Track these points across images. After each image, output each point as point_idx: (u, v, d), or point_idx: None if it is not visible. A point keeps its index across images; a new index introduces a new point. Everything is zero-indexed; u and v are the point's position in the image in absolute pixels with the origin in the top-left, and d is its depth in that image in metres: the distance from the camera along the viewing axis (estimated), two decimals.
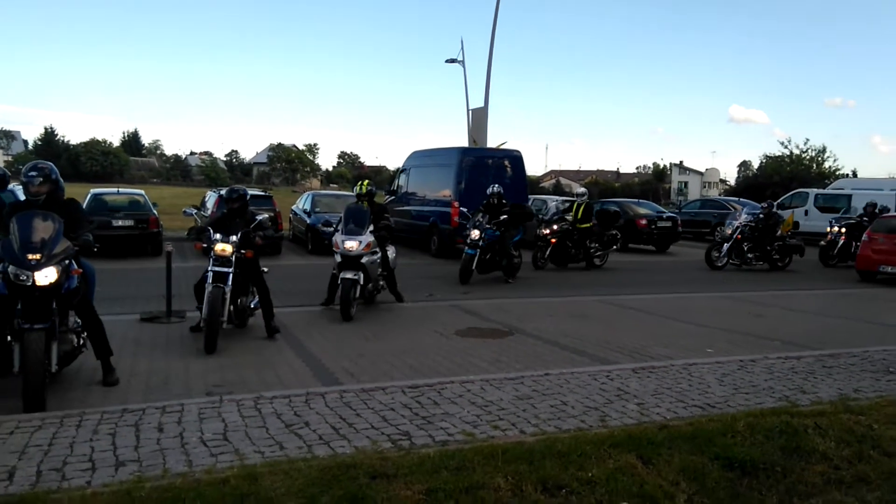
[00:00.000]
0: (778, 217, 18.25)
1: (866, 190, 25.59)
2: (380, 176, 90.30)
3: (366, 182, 10.84)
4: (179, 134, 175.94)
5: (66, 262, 5.49)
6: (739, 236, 17.36)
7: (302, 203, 20.87)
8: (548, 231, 16.67)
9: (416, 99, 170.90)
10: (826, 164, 55.55)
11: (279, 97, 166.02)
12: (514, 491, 3.87)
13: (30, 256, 5.25)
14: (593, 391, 5.92)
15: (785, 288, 14.46)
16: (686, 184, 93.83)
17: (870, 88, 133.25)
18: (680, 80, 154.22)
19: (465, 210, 15.66)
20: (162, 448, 4.38)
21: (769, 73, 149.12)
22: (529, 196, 21.27)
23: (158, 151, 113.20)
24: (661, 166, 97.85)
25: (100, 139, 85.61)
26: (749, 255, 17.49)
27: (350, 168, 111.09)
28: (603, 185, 76.57)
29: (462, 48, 34.45)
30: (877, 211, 18.90)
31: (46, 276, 5.29)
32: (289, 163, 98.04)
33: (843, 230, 18.97)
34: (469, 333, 8.72)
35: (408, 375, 6.51)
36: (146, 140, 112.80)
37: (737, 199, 29.91)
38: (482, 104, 26.31)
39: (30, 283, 5.22)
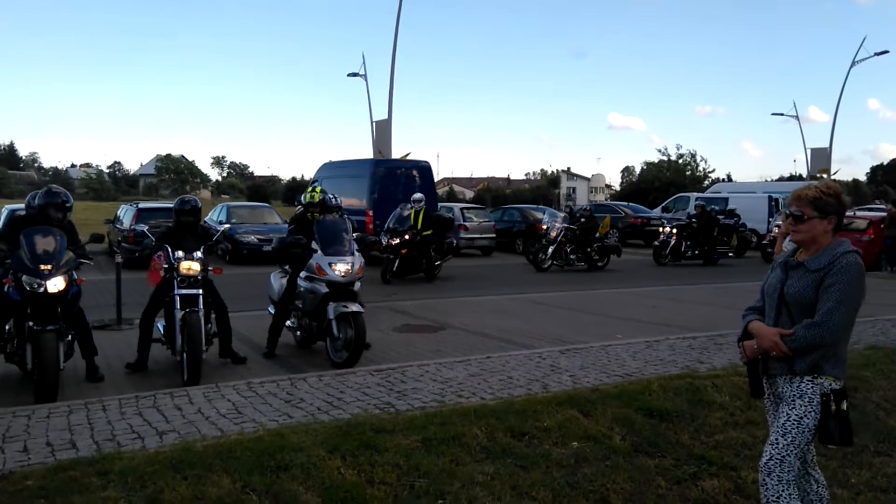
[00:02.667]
0: (596, 220, 19.54)
1: (741, 193, 28.21)
2: (273, 186, 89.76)
3: (318, 189, 8.47)
4: (58, 146, 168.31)
5: (70, 272, 6.13)
6: (564, 239, 18.34)
7: (216, 215, 21.12)
8: (397, 241, 15.43)
9: (308, 110, 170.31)
10: (700, 169, 59.62)
11: (163, 107, 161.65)
12: (489, 438, 4.87)
13: (42, 267, 5.88)
14: (532, 368, 6.99)
15: (633, 286, 16.10)
16: (574, 189, 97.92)
17: (738, 96, 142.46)
18: (561, 88, 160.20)
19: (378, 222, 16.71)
20: (190, 421, 5.15)
21: (644, 81, 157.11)
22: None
23: (36, 164, 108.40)
24: (551, 172, 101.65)
25: None
26: (571, 257, 18.65)
27: (240, 178, 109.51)
28: (494, 191, 78.80)
29: (364, 62, 35.36)
30: (706, 213, 20.87)
31: (56, 285, 5.93)
32: (178, 174, 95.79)
33: (675, 231, 20.58)
34: (406, 329, 9.64)
35: (369, 363, 7.37)
36: (23, 153, 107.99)
37: (626, 203, 32.04)
38: (385, 116, 27.23)
39: (42, 291, 5.84)
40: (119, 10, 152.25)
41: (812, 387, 3.02)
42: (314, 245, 7.60)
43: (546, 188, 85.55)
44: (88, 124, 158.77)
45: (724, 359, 7.51)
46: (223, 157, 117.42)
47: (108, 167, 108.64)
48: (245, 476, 4.10)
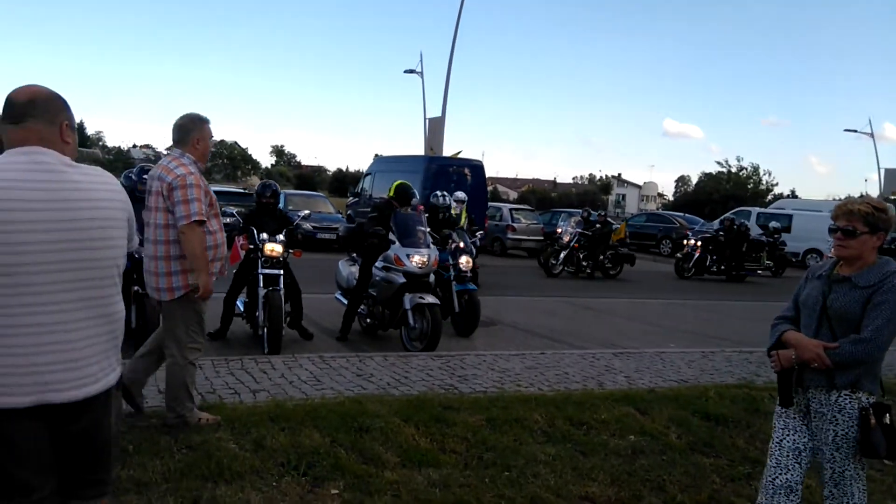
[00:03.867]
0: (611, 226, 18.85)
1: (806, 210, 27.58)
2: (320, 176, 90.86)
3: (397, 182, 8.71)
4: (121, 126, 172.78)
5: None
6: (576, 245, 17.65)
7: None
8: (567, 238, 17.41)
9: (356, 103, 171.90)
10: (763, 183, 58.24)
11: (218, 93, 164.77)
12: (549, 423, 5.13)
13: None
14: (586, 366, 7.22)
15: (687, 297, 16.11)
16: (624, 196, 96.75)
17: (805, 109, 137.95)
18: (614, 91, 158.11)
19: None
20: (276, 384, 5.62)
21: (704, 88, 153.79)
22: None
23: (101, 143, 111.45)
24: (600, 178, 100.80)
25: None
26: (584, 263, 17.88)
27: (288, 167, 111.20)
28: (539, 193, 78.25)
29: (421, 60, 35.45)
30: (735, 227, 20.15)
31: (274, 249, 7.23)
32: (230, 159, 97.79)
33: (699, 243, 19.75)
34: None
35: None
36: (90, 131, 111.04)
37: (681, 213, 31.72)
38: (439, 114, 27.45)
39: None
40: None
41: (850, 401, 3.07)
42: (391, 236, 7.86)
43: (595, 193, 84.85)
44: (150, 106, 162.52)
45: None
46: (282, 147, 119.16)
47: (166, 149, 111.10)
48: (333, 433, 4.54)
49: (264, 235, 7.38)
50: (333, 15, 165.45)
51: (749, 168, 58.93)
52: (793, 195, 60.23)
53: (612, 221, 20.05)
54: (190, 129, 4.56)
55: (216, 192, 17.14)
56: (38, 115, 2.23)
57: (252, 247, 7.48)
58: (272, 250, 7.31)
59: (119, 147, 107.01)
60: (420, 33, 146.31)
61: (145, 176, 6.84)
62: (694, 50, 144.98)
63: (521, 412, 5.23)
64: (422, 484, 4.01)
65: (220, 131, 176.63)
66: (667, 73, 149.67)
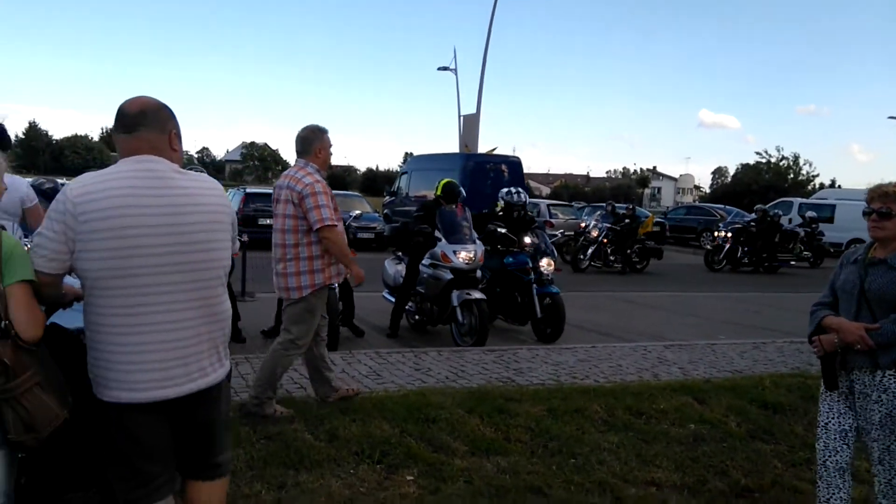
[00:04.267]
0: (638, 219, 18.53)
1: (849, 200, 27.02)
2: (350, 175, 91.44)
3: (444, 181, 8.62)
4: None
5: None
6: (605, 240, 17.37)
7: None
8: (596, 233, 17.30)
9: (386, 103, 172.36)
10: (802, 173, 57.23)
11: (249, 96, 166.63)
12: (609, 413, 5.24)
13: None
14: (638, 358, 7.29)
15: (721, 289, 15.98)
16: (659, 189, 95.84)
17: (845, 96, 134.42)
18: (647, 84, 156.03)
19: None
20: (339, 378, 5.72)
21: (739, 77, 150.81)
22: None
23: None
24: (634, 171, 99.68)
25: (81, 134, 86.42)
26: (612, 258, 17.59)
27: None
28: (573, 188, 77.89)
29: (455, 57, 35.39)
30: (768, 218, 19.70)
31: None
32: (261, 160, 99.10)
33: (731, 235, 19.39)
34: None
35: None
36: None
37: (722, 206, 31.30)
38: (473, 111, 27.48)
39: None
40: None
41: (894, 381, 3.13)
42: (437, 234, 7.96)
43: (630, 187, 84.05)
44: (179, 110, 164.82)
45: None
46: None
47: (197, 152, 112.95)
48: (401, 423, 4.71)
49: None
50: (364, 14, 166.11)
51: (789, 158, 57.98)
52: (833, 185, 59.10)
53: (641, 213, 19.87)
54: (312, 140, 4.90)
55: (253, 194, 17.40)
56: (149, 125, 2.37)
57: None
58: None
59: None
60: (448, 31, 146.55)
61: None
62: (729, 39, 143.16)
63: (580, 403, 5.34)
64: (491, 471, 4.15)
65: (251, 133, 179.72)
66: (702, 64, 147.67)
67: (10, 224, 4.67)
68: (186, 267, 2.35)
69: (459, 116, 28.70)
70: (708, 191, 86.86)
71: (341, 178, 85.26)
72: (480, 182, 19.05)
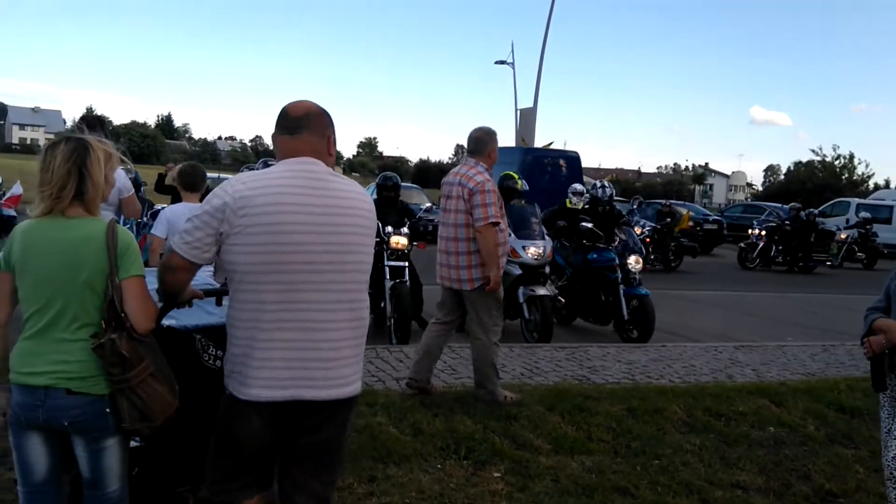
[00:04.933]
0: (676, 216, 18.32)
1: None
2: (403, 167, 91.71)
3: (514, 176, 8.82)
4: (205, 118, 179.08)
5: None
6: (647, 239, 16.66)
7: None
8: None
9: (438, 94, 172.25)
10: (858, 172, 55.98)
11: (300, 83, 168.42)
12: (688, 415, 5.25)
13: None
14: (710, 359, 7.26)
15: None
16: (711, 186, 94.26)
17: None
18: (699, 79, 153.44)
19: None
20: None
21: (791, 74, 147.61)
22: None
23: (187, 135, 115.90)
24: (686, 167, 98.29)
25: (139, 121, 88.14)
26: (651, 257, 16.68)
27: (370, 158, 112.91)
28: (624, 183, 77.04)
29: (512, 50, 34.89)
30: (803, 216, 19.16)
31: (399, 241, 7.36)
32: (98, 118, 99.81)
33: (764, 233, 19.09)
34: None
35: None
36: (177, 123, 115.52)
37: (779, 205, 30.68)
38: (530, 104, 27.33)
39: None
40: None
41: None
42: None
43: (681, 183, 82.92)
44: (234, 98, 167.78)
45: None
46: (374, 139, 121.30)
47: (250, 140, 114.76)
48: (484, 419, 4.79)
49: (389, 228, 7.50)
50: (419, 6, 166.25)
51: (845, 156, 56.65)
52: (887, 185, 57.63)
53: (679, 210, 19.54)
54: (486, 142, 5.25)
55: None
56: (312, 128, 2.41)
57: (378, 239, 7.51)
58: (398, 243, 7.45)
59: (205, 139, 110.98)
60: (503, 23, 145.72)
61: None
62: (781, 35, 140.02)
63: (659, 403, 5.36)
64: (577, 470, 4.20)
65: None
66: (754, 60, 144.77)
67: (109, 214, 4.90)
68: (339, 267, 2.35)
69: (516, 110, 28.51)
70: (760, 188, 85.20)
71: (394, 170, 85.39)
72: (538, 177, 18.90)
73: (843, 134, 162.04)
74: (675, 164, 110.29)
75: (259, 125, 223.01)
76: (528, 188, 9.36)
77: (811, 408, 5.63)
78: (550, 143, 24.35)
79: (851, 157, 56.64)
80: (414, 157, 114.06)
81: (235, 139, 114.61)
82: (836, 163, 56.76)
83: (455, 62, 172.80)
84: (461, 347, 6.91)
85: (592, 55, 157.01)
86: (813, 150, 59.22)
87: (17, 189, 13.59)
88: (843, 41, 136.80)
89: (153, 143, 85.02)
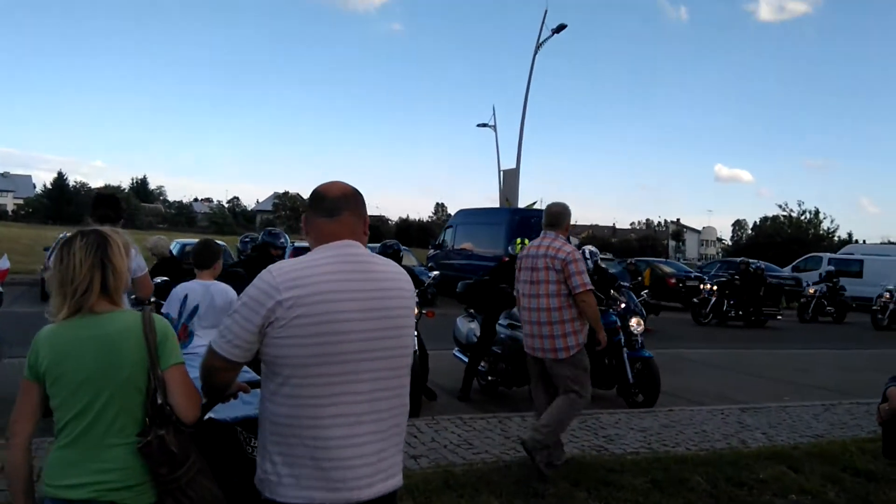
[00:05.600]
0: (640, 273, 18.72)
1: (876, 255, 27.34)
2: (384, 227, 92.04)
3: (522, 241, 8.56)
4: (179, 181, 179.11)
5: None
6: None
7: None
8: None
9: (415, 154, 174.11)
10: (823, 227, 57.33)
11: (281, 147, 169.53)
12: (712, 485, 5.27)
13: None
14: (720, 423, 7.31)
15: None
16: (684, 241, 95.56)
17: (853, 149, 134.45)
18: (667, 139, 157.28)
19: None
20: (431, 448, 5.82)
21: (749, 131, 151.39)
22: None
23: (162, 198, 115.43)
24: (660, 223, 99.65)
25: (113, 184, 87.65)
26: None
27: None
28: (599, 240, 77.88)
29: (494, 114, 34.35)
30: (750, 270, 19.79)
31: None
32: (293, 210, 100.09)
33: (716, 288, 19.48)
34: None
35: None
36: (151, 187, 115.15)
37: (757, 261, 31.13)
38: (513, 165, 27.88)
39: None
40: (237, 57, 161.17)
41: None
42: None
43: (655, 238, 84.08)
44: (208, 162, 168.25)
45: None
46: None
47: (227, 202, 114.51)
48: (510, 499, 4.78)
49: None
50: (396, 70, 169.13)
51: (810, 212, 58.10)
52: (850, 238, 59.22)
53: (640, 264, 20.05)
54: (565, 216, 5.63)
55: (302, 248, 17.33)
56: (351, 209, 2.33)
57: None
58: None
59: (180, 201, 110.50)
60: (484, 87, 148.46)
61: (282, 240, 7.39)
62: (739, 94, 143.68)
63: (682, 474, 5.38)
64: None
65: (283, 184, 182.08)
66: (715, 118, 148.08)
67: (123, 295, 4.86)
68: (389, 353, 2.24)
69: (499, 171, 29.12)
70: (730, 243, 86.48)
71: (374, 229, 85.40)
72: (526, 236, 19.15)
73: (803, 189, 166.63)
74: (647, 219, 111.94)
75: (234, 187, 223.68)
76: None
77: (827, 472, 5.68)
78: (535, 203, 24.77)
79: (817, 212, 58.12)
80: (394, 216, 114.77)
81: (212, 201, 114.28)
82: (802, 218, 58.15)
83: (437, 124, 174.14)
84: (472, 419, 6.93)
85: (567, 114, 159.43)
86: (779, 206, 60.61)
87: (4, 263, 13.38)
88: (797, 99, 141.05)
89: (128, 206, 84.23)
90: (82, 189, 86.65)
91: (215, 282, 5.02)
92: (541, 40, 26.46)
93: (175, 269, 8.09)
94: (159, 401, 2.18)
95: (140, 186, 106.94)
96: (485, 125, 31.23)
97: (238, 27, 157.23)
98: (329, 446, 2.11)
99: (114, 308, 2.26)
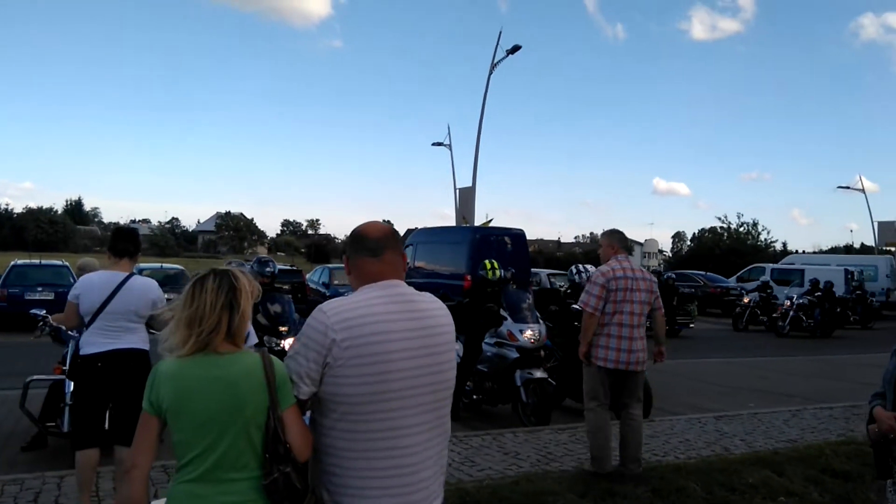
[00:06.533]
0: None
1: (816, 265, 28.58)
2: (330, 245, 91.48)
3: (490, 263, 8.83)
4: (115, 202, 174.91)
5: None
6: None
7: (317, 276, 22.20)
8: None
9: (358, 174, 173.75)
10: (762, 238, 59.38)
11: (220, 167, 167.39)
12: (707, 491, 5.60)
13: (280, 328, 7.34)
14: (700, 432, 7.69)
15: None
16: (631, 254, 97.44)
17: (785, 163, 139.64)
18: (605, 153, 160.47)
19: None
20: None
21: (685, 145, 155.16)
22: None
23: (97, 219, 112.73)
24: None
25: (45, 207, 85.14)
26: None
27: (294, 236, 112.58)
28: (546, 254, 78.86)
29: (448, 133, 34.25)
30: (663, 281, 19.73)
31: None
32: (237, 231, 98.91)
33: None
34: None
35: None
36: (86, 208, 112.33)
37: (703, 272, 32.15)
38: (469, 183, 28.21)
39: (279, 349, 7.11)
40: (182, 73, 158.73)
41: None
42: (503, 313, 8.31)
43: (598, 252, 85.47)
44: (145, 183, 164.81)
45: None
46: (317, 221, 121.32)
47: (166, 223, 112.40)
48: None
49: None
50: (337, 88, 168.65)
51: (748, 224, 60.08)
52: (784, 248, 61.66)
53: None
54: (627, 240, 6.49)
55: (282, 271, 17.25)
56: (393, 248, 2.44)
57: None
58: None
59: (117, 223, 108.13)
60: (438, 105, 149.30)
61: (269, 269, 7.58)
62: (674, 110, 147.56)
63: (678, 482, 5.68)
64: None
65: (224, 204, 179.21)
66: (652, 134, 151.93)
67: (140, 328, 4.91)
68: (434, 388, 2.36)
69: (455, 189, 29.38)
70: (670, 255, 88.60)
71: (322, 248, 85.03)
72: (487, 255, 19.45)
73: (738, 201, 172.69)
74: (591, 233, 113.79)
75: (173, 207, 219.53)
76: (505, 273, 9.61)
77: (809, 475, 6.07)
78: (490, 220, 25.12)
79: (755, 224, 60.17)
80: (339, 235, 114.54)
81: (150, 222, 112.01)
82: (741, 229, 60.07)
83: (381, 142, 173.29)
84: (467, 437, 7.15)
85: (511, 131, 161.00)
86: (719, 218, 62.58)
87: None
88: (730, 114, 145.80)
89: (63, 229, 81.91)
90: (5, 212, 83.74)
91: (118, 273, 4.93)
92: (495, 60, 26.88)
93: None
94: (281, 439, 2.27)
95: (75, 208, 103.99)
96: (440, 144, 31.53)
97: (174, 44, 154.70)
98: (382, 476, 2.25)
99: (234, 349, 2.35)
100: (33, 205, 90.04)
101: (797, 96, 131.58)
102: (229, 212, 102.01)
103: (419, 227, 24.61)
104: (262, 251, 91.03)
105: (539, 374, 7.88)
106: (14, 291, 16.44)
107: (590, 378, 6.06)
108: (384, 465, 2.25)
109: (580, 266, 9.77)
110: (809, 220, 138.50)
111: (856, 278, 25.24)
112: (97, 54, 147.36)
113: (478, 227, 23.24)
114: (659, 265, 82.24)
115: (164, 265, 20.81)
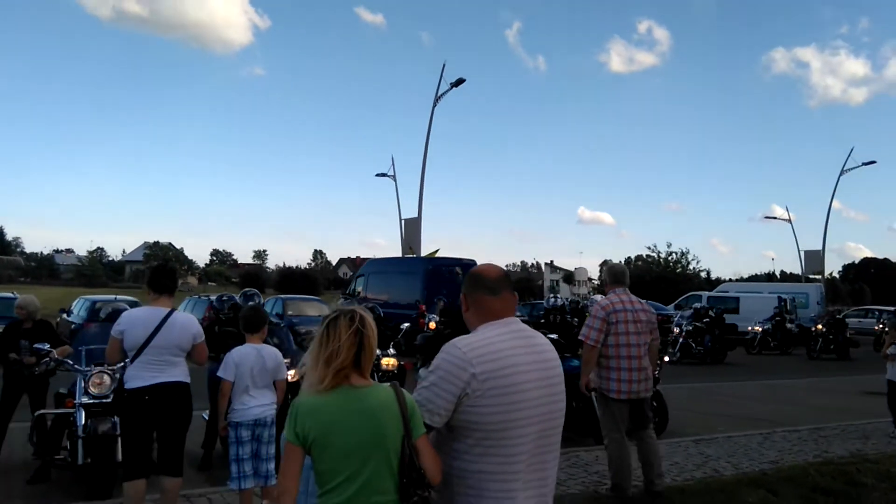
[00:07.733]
0: None
1: (749, 293, 29.84)
2: (263, 275, 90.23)
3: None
4: (38, 232, 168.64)
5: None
6: None
7: (270, 307, 21.84)
8: None
9: (289, 203, 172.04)
10: (690, 267, 61.58)
11: (146, 197, 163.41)
12: None
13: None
14: (685, 455, 7.95)
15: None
16: (558, 282, 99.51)
17: (703, 192, 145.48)
18: (531, 183, 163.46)
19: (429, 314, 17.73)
20: None
21: (608, 176, 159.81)
22: None
23: (19, 249, 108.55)
24: (533, 264, 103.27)
25: None
26: None
27: (224, 266, 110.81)
28: None
29: (393, 163, 34.62)
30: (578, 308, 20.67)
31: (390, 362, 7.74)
32: (166, 261, 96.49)
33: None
34: None
35: None
36: (7, 238, 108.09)
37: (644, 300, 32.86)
38: (414, 214, 28.47)
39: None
40: (105, 101, 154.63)
41: None
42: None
43: (529, 280, 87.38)
44: (69, 212, 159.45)
45: (842, 448, 8.55)
46: (264, 252, 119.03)
47: (90, 253, 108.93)
48: None
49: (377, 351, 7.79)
50: (261, 116, 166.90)
51: (677, 253, 62.26)
52: (709, 276, 64.03)
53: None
54: (626, 274, 6.66)
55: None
56: (509, 288, 2.71)
57: None
58: (389, 363, 7.77)
59: (41, 252, 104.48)
60: (381, 136, 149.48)
61: (251, 302, 7.58)
62: (596, 140, 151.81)
63: (685, 503, 5.95)
64: None
65: (150, 234, 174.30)
66: (575, 164, 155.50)
67: (181, 361, 4.98)
68: (553, 416, 2.61)
69: (400, 220, 29.54)
70: (599, 283, 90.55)
71: (255, 277, 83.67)
72: (439, 285, 19.89)
73: (661, 231, 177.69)
74: (522, 261, 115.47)
75: (98, 237, 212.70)
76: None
77: (802, 494, 6.38)
78: (436, 251, 25.36)
79: (685, 253, 62.40)
80: (270, 264, 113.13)
81: (73, 252, 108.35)
82: (671, 258, 62.16)
83: (312, 171, 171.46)
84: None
85: (439, 160, 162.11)
86: (648, 247, 64.77)
87: None
88: (648, 145, 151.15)
89: None
90: None
91: (265, 345, 5.23)
92: (439, 93, 27.34)
93: (51, 334, 7.11)
94: (416, 465, 2.45)
95: None
96: (384, 175, 31.72)
97: (96, 72, 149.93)
98: (513, 497, 2.49)
99: (367, 382, 2.53)
100: None
101: (712, 128, 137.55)
102: (158, 241, 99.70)
103: (369, 258, 24.63)
104: (193, 281, 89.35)
105: None
106: None
107: (606, 411, 6.26)
108: (515, 486, 2.49)
109: (553, 294, 10.19)
110: (728, 248, 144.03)
111: (789, 306, 26.34)
112: (16, 82, 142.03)
113: (431, 258, 23.55)
114: (589, 293, 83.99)
115: (118, 297, 20.12)
